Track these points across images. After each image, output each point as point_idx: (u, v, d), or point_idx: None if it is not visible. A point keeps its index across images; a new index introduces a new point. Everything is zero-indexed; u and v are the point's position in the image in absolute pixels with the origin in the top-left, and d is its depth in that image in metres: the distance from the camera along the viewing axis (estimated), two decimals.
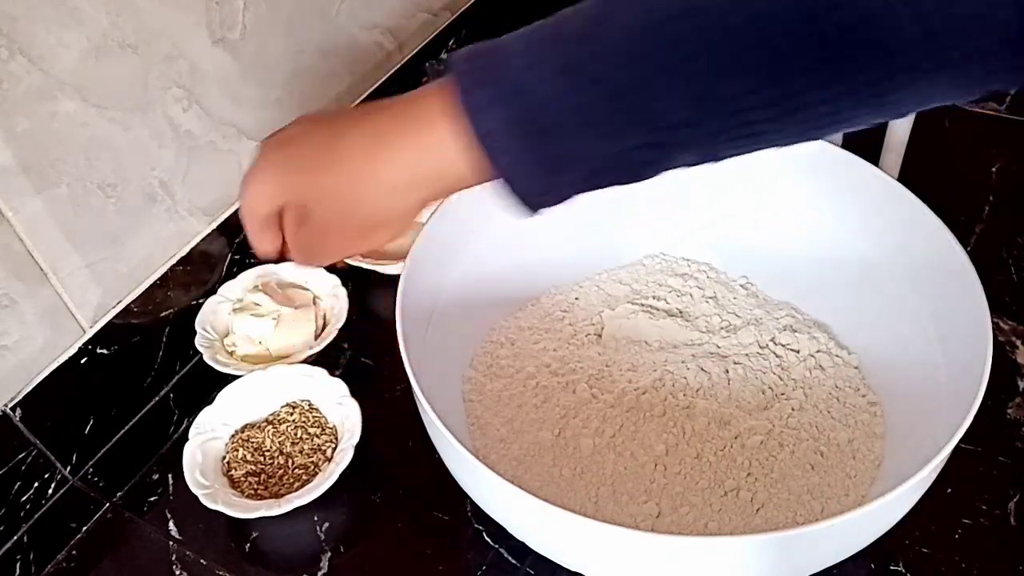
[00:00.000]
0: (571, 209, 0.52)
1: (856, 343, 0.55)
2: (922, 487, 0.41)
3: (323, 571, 0.52)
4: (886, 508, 0.38)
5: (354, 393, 0.56)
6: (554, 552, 0.45)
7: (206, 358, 0.61)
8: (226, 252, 0.68)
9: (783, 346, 0.56)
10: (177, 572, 0.53)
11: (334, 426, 0.57)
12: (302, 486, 0.53)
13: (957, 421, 0.40)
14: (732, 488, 0.49)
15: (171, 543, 0.55)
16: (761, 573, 0.40)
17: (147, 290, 0.62)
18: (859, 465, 0.50)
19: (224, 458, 0.56)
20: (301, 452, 0.56)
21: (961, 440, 0.53)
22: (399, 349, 0.46)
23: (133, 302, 0.61)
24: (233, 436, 0.58)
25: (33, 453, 0.56)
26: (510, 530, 0.46)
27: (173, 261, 0.63)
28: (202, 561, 0.54)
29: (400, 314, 0.48)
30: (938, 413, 0.43)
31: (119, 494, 0.58)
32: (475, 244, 0.58)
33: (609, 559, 0.42)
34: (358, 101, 0.76)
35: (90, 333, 0.58)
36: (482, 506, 0.46)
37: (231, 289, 0.65)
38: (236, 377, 0.59)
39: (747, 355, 0.56)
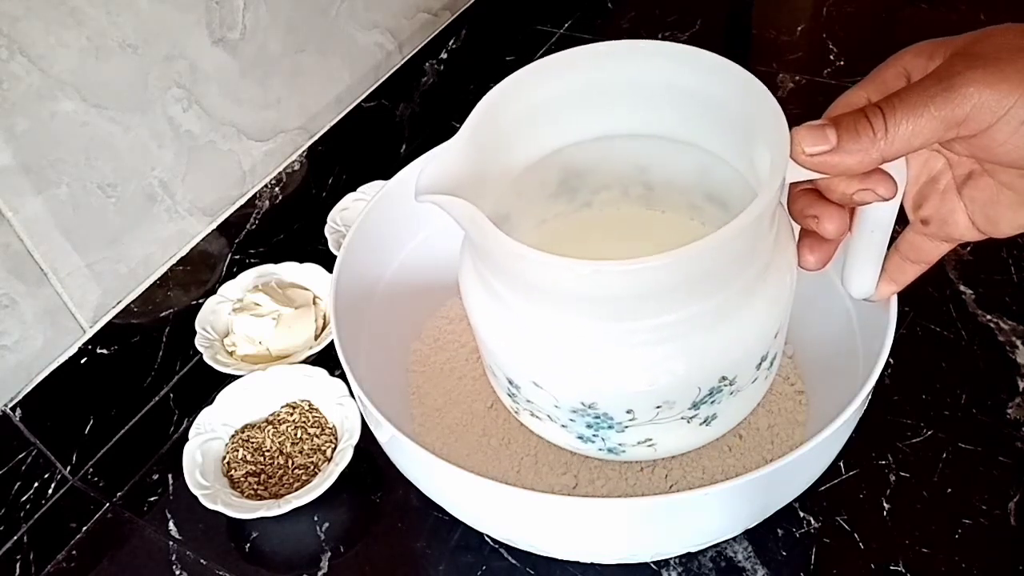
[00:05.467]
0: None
1: (794, 333, 0.55)
2: (790, 474, 0.41)
3: (323, 571, 0.52)
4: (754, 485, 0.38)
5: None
6: (474, 519, 0.45)
7: (206, 358, 0.61)
8: (226, 252, 0.68)
9: None
10: (177, 572, 0.53)
11: (334, 426, 0.58)
12: (302, 486, 0.53)
13: (858, 408, 0.40)
14: (648, 465, 0.50)
15: (171, 543, 0.55)
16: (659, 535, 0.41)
17: (147, 290, 0.62)
18: (776, 450, 0.50)
19: (224, 458, 0.56)
20: (301, 452, 0.56)
21: (961, 440, 0.54)
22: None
23: (133, 302, 0.61)
24: (233, 436, 0.58)
25: (33, 453, 0.56)
26: (432, 497, 0.46)
27: (173, 261, 0.63)
28: (202, 561, 0.54)
29: (337, 284, 0.49)
30: (853, 402, 0.43)
31: (119, 494, 0.58)
32: (440, 221, 0.59)
33: (525, 525, 0.42)
34: (358, 101, 0.76)
35: (90, 333, 0.58)
36: (403, 471, 0.47)
37: (231, 289, 0.65)
38: (236, 377, 0.59)
39: None
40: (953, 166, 0.35)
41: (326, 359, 0.59)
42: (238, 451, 0.56)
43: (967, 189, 0.35)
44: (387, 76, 0.79)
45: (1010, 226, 0.34)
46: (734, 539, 0.50)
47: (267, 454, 0.56)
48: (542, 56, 0.41)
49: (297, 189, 0.72)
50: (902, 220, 0.38)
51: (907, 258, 0.39)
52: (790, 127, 0.33)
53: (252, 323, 0.62)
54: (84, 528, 0.57)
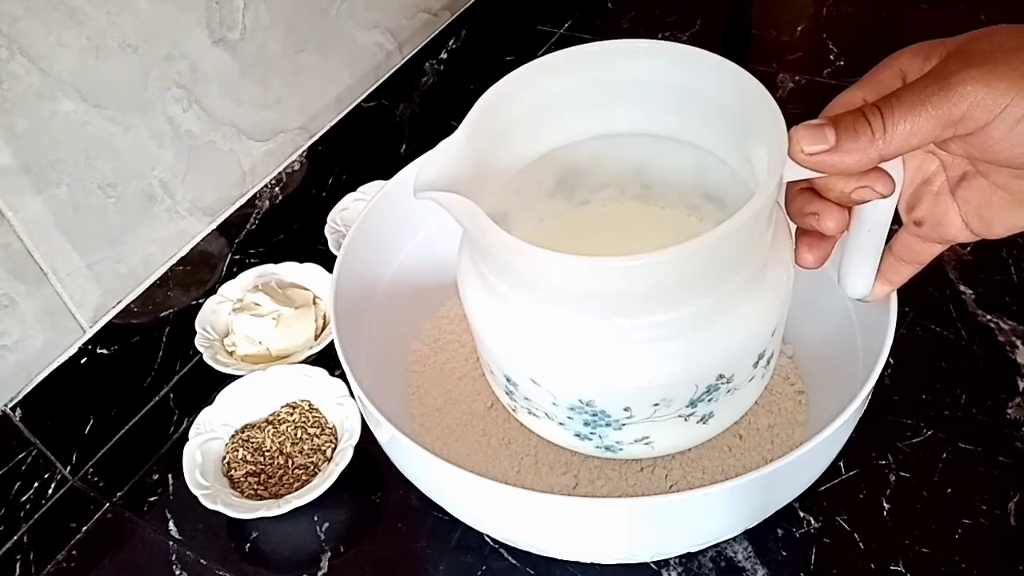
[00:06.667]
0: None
1: (793, 333, 0.55)
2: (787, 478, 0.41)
3: (323, 571, 0.52)
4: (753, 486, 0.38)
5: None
6: (474, 519, 0.45)
7: (206, 358, 0.61)
8: (226, 252, 0.68)
9: None
10: (177, 572, 0.53)
11: (334, 426, 0.58)
12: (302, 486, 0.53)
13: (858, 409, 0.40)
14: (648, 465, 0.50)
15: (171, 543, 0.55)
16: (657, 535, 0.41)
17: (147, 290, 0.62)
18: (776, 450, 0.50)
19: (224, 458, 0.57)
20: (301, 452, 0.56)
21: (961, 440, 0.54)
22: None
23: (133, 302, 0.61)
24: (233, 436, 0.58)
25: (33, 453, 0.56)
26: (432, 497, 0.46)
27: (173, 261, 0.63)
28: (202, 561, 0.54)
29: (337, 284, 0.49)
30: (853, 402, 0.43)
31: (119, 494, 0.58)
32: (440, 221, 0.58)
33: (525, 525, 0.42)
34: (358, 101, 0.76)
35: (90, 333, 0.58)
36: (403, 471, 0.47)
37: (231, 289, 0.65)
38: (236, 377, 0.59)
39: None
40: (947, 168, 0.35)
41: (326, 359, 0.59)
42: (238, 451, 0.56)
43: (961, 190, 0.35)
44: (387, 76, 0.79)
45: (1003, 227, 0.34)
46: (734, 539, 0.50)
47: (267, 454, 0.56)
48: (542, 56, 0.41)
49: (297, 189, 0.72)
50: (895, 220, 0.38)
51: (901, 259, 0.39)
52: (788, 125, 0.34)
53: (252, 323, 0.62)
54: (84, 528, 0.57)
